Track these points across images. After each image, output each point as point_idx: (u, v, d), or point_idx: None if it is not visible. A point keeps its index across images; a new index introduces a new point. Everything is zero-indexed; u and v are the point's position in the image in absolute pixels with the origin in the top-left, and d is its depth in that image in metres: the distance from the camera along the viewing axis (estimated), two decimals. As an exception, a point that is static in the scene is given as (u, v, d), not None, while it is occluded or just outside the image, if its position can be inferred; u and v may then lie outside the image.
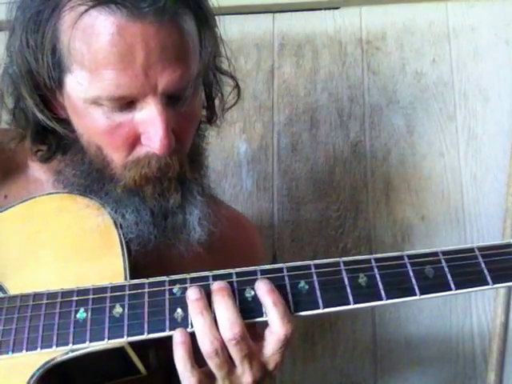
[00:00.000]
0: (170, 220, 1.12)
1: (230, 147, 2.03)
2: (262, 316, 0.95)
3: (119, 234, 1.06)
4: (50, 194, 1.13)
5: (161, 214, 1.11)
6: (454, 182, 2.00)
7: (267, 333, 0.95)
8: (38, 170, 1.23)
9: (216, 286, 0.97)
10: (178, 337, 0.93)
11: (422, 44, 2.12)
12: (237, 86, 1.34)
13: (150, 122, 1.01)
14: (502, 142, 2.00)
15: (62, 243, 1.07)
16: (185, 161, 1.11)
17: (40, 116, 1.10)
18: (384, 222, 1.99)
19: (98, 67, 0.97)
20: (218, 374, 0.95)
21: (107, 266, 1.03)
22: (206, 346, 0.92)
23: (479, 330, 1.88)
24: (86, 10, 0.95)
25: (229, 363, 0.94)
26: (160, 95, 1.00)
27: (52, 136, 1.17)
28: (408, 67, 2.10)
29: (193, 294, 0.95)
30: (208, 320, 0.93)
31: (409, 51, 2.12)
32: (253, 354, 0.95)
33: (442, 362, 1.88)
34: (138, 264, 1.06)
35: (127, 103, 1.01)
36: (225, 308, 0.94)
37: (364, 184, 2.02)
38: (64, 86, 1.05)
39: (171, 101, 1.03)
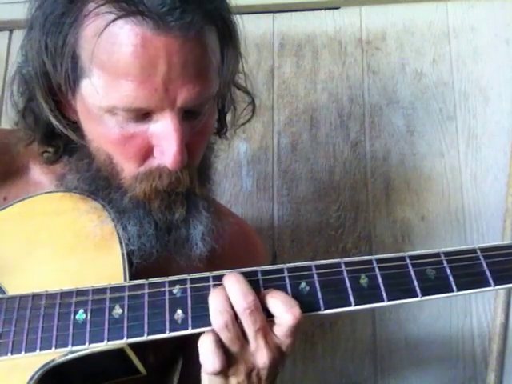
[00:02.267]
0: (173, 234, 1.11)
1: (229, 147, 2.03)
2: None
3: (118, 234, 1.05)
4: (48, 193, 1.12)
5: (164, 228, 1.10)
6: (454, 182, 1.99)
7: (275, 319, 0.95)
8: (39, 173, 1.22)
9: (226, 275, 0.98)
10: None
11: (422, 44, 2.12)
12: (252, 102, 1.34)
13: (165, 136, 1.00)
14: (502, 142, 2.00)
15: (61, 242, 1.06)
16: (195, 176, 1.10)
17: (54, 122, 1.09)
18: (384, 222, 1.99)
19: (117, 77, 0.96)
20: (232, 351, 0.94)
21: (106, 266, 1.03)
22: (216, 318, 0.91)
23: (479, 330, 1.88)
24: (113, 20, 0.94)
25: (241, 338, 0.93)
26: (177, 110, 0.99)
27: (60, 139, 1.16)
28: (408, 67, 2.10)
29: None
30: (221, 295, 0.93)
31: (409, 51, 2.12)
32: (266, 328, 0.94)
33: (441, 362, 1.88)
34: (138, 276, 1.05)
35: (143, 114, 1.00)
36: (236, 281, 0.94)
37: (364, 184, 2.02)
38: (79, 91, 1.03)
39: (187, 115, 1.02)
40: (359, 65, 2.13)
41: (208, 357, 0.92)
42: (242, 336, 0.94)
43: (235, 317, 0.92)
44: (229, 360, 0.94)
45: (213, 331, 0.92)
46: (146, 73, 0.95)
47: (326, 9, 2.18)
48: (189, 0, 0.95)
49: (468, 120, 2.04)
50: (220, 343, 0.92)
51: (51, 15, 1.00)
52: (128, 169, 1.07)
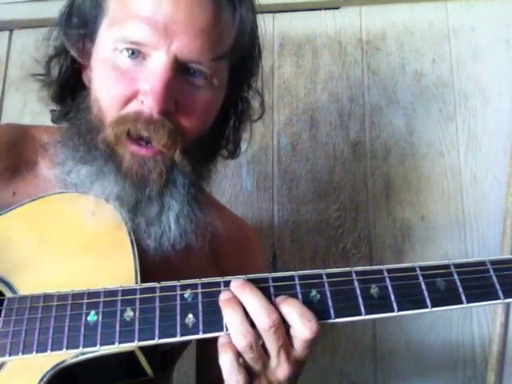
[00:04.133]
0: (143, 206, 1.09)
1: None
2: None
3: (130, 235, 1.05)
4: (61, 193, 1.12)
5: (134, 195, 1.07)
6: (454, 182, 2.00)
7: (291, 331, 0.95)
8: (47, 168, 1.20)
9: (237, 282, 0.96)
10: (224, 338, 0.93)
11: (422, 44, 2.12)
12: (262, 103, 1.34)
13: (152, 76, 1.00)
14: (502, 142, 2.00)
15: (73, 243, 1.06)
16: (179, 141, 1.06)
17: (74, 53, 1.13)
18: (384, 222, 1.99)
19: (125, 8, 1.01)
20: (255, 369, 0.94)
21: (118, 267, 1.02)
22: (239, 341, 0.91)
23: (479, 331, 1.88)
24: None
25: (263, 356, 0.93)
26: (172, 55, 1.00)
27: (71, 100, 1.19)
28: (408, 67, 2.11)
29: (223, 296, 0.95)
30: (239, 314, 0.92)
31: (409, 51, 2.12)
32: (287, 343, 0.94)
33: (441, 363, 1.88)
34: (147, 268, 1.04)
35: (140, 57, 1.02)
36: (257, 298, 0.93)
37: (364, 184, 2.03)
38: (96, 39, 1.08)
39: (183, 72, 1.03)
40: (359, 65, 2.13)
41: (232, 374, 0.92)
42: (264, 352, 0.94)
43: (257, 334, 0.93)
44: (251, 375, 0.94)
45: (230, 346, 0.92)
46: (150, 8, 0.98)
47: (326, 9, 2.18)
48: None
49: (468, 120, 2.04)
50: (242, 359, 0.92)
51: None
52: (109, 113, 1.06)
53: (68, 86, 1.19)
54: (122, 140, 1.04)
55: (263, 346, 0.94)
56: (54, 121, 1.24)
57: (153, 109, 1.00)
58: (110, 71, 1.04)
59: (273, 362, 0.94)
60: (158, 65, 1.00)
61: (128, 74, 1.03)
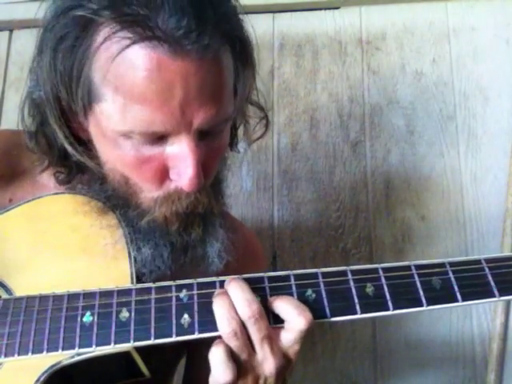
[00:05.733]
0: (189, 253, 1.11)
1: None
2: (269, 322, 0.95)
3: (125, 236, 1.05)
4: (56, 194, 1.12)
5: (181, 248, 1.09)
6: (454, 182, 2.00)
7: (286, 325, 0.96)
8: (45, 176, 1.20)
9: (228, 280, 0.98)
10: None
11: (422, 44, 2.12)
12: (265, 117, 1.30)
13: (181, 158, 0.98)
14: (502, 142, 2.00)
15: (68, 244, 1.06)
16: (211, 194, 1.07)
17: (69, 149, 1.07)
18: (384, 222, 1.99)
19: (133, 101, 0.93)
20: (241, 359, 0.94)
21: (113, 268, 1.03)
22: (224, 327, 0.92)
23: (479, 330, 1.88)
24: (128, 45, 0.91)
25: (248, 347, 0.94)
26: (194, 132, 0.97)
27: (73, 159, 1.12)
28: (408, 67, 2.11)
29: (216, 292, 0.97)
30: (227, 302, 0.94)
31: (409, 51, 2.12)
32: (271, 337, 0.95)
33: (441, 362, 1.88)
34: None
35: (159, 137, 0.97)
36: (241, 290, 0.94)
37: (364, 184, 2.02)
38: (93, 115, 1.01)
39: (203, 135, 1.00)
40: (359, 65, 2.13)
41: (219, 368, 0.92)
42: (250, 345, 0.94)
43: (242, 324, 0.93)
44: (238, 369, 0.94)
45: (222, 342, 0.93)
46: (162, 97, 0.93)
47: (326, 9, 2.18)
48: (205, 22, 0.92)
49: (468, 120, 2.04)
50: (230, 353, 0.93)
51: (63, 40, 0.97)
52: (147, 190, 1.05)
53: (63, 150, 1.11)
54: (171, 218, 1.05)
55: (250, 340, 0.94)
56: (63, 184, 1.17)
57: (192, 189, 1.00)
58: (129, 153, 1.00)
59: (259, 354, 0.95)
60: (183, 147, 0.97)
61: (151, 156, 1.00)
